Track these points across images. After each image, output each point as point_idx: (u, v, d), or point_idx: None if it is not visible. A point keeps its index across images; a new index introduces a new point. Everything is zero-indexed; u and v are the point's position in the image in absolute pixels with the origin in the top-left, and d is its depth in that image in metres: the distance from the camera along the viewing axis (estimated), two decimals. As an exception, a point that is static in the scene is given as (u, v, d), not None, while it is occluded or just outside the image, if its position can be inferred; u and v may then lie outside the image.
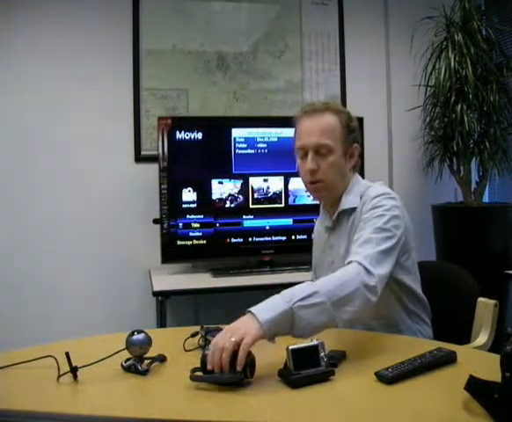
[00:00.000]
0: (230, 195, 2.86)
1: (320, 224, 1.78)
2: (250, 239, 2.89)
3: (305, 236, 2.91)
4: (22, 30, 2.87)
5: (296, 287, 1.27)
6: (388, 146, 3.33)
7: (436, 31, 3.03)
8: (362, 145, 1.70)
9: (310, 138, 1.58)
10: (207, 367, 1.15)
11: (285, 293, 1.25)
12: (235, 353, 1.13)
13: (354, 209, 1.59)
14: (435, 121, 3.06)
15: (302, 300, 1.22)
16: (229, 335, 1.16)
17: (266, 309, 1.21)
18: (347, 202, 1.61)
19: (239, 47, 3.14)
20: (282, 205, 2.92)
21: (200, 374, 1.16)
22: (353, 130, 1.62)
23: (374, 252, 1.38)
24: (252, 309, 1.22)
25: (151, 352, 1.28)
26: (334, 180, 1.60)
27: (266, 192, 2.91)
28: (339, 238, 1.64)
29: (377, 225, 1.45)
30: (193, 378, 1.16)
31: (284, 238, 2.92)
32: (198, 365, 1.18)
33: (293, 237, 2.92)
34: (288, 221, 2.93)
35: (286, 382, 1.15)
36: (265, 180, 2.91)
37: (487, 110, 2.92)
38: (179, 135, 2.81)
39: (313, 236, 1.87)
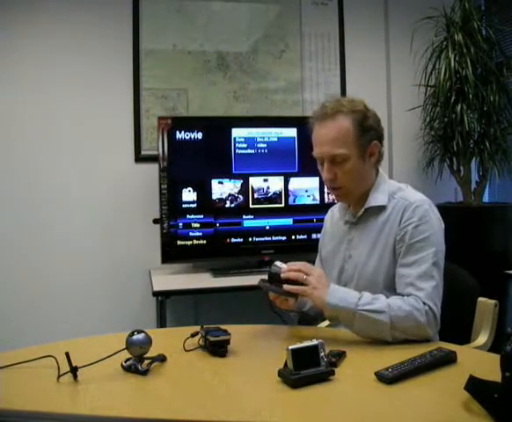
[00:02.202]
0: (230, 195, 2.86)
1: (339, 217, 1.74)
2: (250, 239, 2.88)
3: (305, 236, 2.92)
4: (22, 30, 2.87)
5: (373, 296, 1.44)
6: (388, 146, 3.33)
7: (436, 31, 3.03)
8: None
9: (323, 148, 1.56)
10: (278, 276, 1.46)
11: (361, 296, 1.43)
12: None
13: (382, 207, 1.59)
14: (435, 121, 3.06)
15: (368, 311, 1.40)
16: (311, 281, 1.43)
17: (338, 296, 1.43)
18: (375, 200, 1.60)
19: (239, 47, 3.14)
20: (282, 205, 2.92)
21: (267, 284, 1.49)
22: (368, 128, 1.57)
23: (434, 288, 1.47)
24: (333, 286, 1.46)
25: (151, 352, 1.28)
26: (354, 185, 1.59)
27: (267, 192, 2.91)
28: (361, 234, 1.62)
29: (431, 250, 1.49)
30: (261, 285, 1.50)
31: (284, 238, 2.92)
32: (198, 366, 1.18)
33: (293, 237, 2.92)
34: (289, 221, 2.93)
35: (286, 382, 1.15)
36: (265, 180, 2.91)
37: (487, 110, 2.92)
38: (179, 135, 2.81)
39: (325, 225, 1.83)
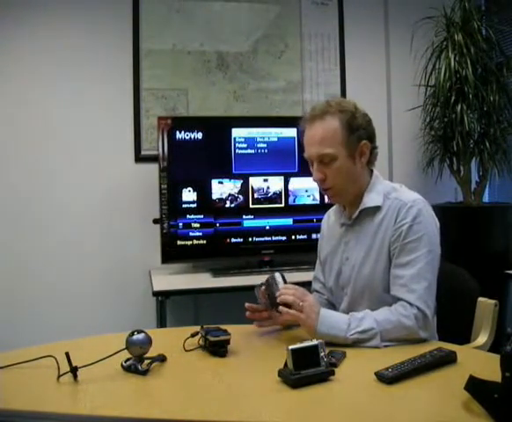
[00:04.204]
0: (230, 195, 2.86)
1: (334, 219, 1.74)
2: (250, 239, 2.88)
3: (305, 236, 2.92)
4: (22, 29, 2.87)
5: (360, 316, 1.43)
6: (388, 146, 3.33)
7: (436, 31, 3.03)
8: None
9: (311, 149, 1.57)
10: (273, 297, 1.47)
11: (351, 321, 1.42)
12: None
13: (377, 208, 1.58)
14: (435, 121, 3.06)
15: (360, 333, 1.40)
16: (305, 308, 1.41)
17: (328, 324, 1.41)
18: (370, 201, 1.59)
19: (239, 47, 3.14)
20: (282, 205, 2.92)
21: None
22: (356, 128, 1.57)
23: (426, 289, 1.47)
24: (323, 313, 1.42)
25: (151, 352, 1.28)
26: (344, 185, 1.58)
27: (267, 192, 2.91)
28: (358, 236, 1.61)
29: (424, 250, 1.49)
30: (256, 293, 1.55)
31: (284, 238, 2.92)
32: (198, 366, 1.20)
33: (293, 237, 2.92)
34: (289, 221, 2.93)
35: (286, 382, 1.15)
36: (265, 180, 2.91)
37: (487, 110, 2.92)
38: (179, 135, 2.81)
39: (322, 228, 1.83)
